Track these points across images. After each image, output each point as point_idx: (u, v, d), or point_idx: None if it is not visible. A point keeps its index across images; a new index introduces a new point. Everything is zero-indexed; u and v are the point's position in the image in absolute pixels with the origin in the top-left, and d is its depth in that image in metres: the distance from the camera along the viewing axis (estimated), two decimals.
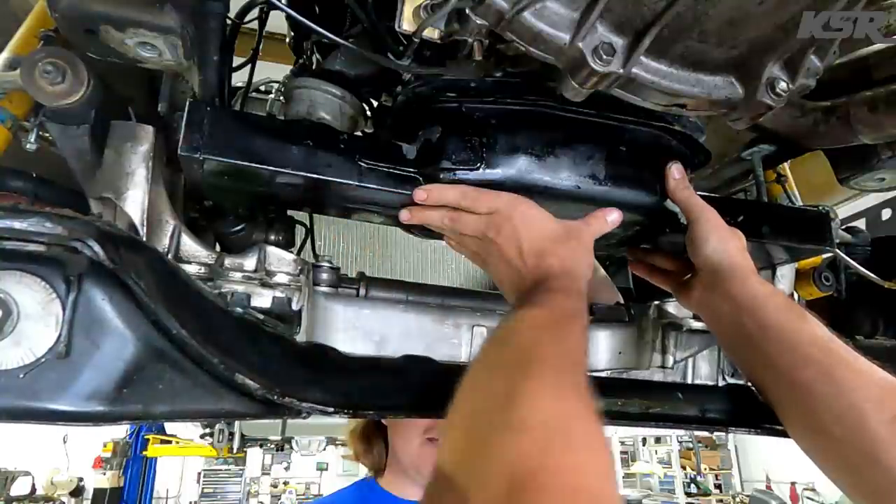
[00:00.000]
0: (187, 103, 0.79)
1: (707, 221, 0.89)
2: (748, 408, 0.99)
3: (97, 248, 0.60)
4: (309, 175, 0.82)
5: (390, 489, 1.34)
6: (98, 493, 7.64)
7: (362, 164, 0.85)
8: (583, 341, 0.66)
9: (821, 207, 1.11)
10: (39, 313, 0.60)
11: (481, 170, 0.84)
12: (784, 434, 0.83)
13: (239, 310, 0.82)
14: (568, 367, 0.58)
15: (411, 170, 0.87)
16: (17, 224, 0.58)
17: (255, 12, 1.11)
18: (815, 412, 0.74)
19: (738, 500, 11.07)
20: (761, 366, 0.82)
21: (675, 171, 0.91)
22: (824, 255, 1.29)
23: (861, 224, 1.71)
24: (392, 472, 1.37)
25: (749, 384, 0.94)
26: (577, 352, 0.63)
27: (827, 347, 0.76)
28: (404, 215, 0.89)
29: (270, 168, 0.80)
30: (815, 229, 1.07)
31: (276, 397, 0.70)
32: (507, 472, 0.44)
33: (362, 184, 0.84)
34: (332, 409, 0.74)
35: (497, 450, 0.46)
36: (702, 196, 0.93)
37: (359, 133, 1.05)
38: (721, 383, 1.18)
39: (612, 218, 0.86)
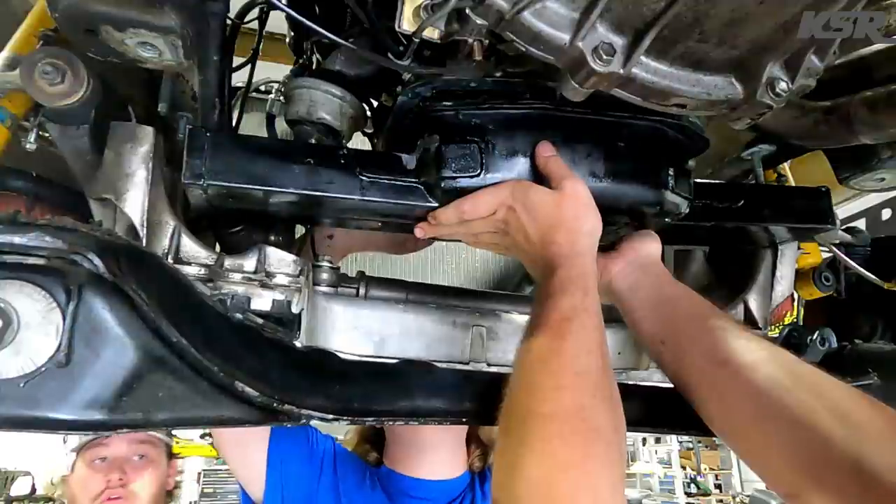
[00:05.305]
0: (187, 131, 0.81)
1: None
2: None
3: (97, 260, 0.60)
4: (312, 193, 0.83)
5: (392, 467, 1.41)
6: None
7: (363, 177, 0.86)
8: (591, 339, 0.70)
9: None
10: (40, 322, 0.60)
11: (482, 175, 0.84)
12: None
13: (238, 315, 0.82)
14: (566, 404, 0.64)
15: (412, 180, 0.87)
16: (17, 239, 0.58)
17: (255, 12, 1.12)
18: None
19: (738, 500, 11.06)
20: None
21: (545, 149, 0.86)
22: (824, 256, 1.29)
23: (861, 224, 1.71)
24: (391, 449, 1.43)
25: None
26: (585, 359, 0.68)
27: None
28: (419, 232, 0.93)
29: (273, 189, 0.82)
30: (817, 208, 1.07)
31: (275, 404, 0.70)
32: None
33: (365, 198, 0.85)
34: (331, 416, 0.74)
35: None
36: (703, 183, 0.92)
37: (359, 133, 1.05)
38: None
39: (546, 151, 0.84)
